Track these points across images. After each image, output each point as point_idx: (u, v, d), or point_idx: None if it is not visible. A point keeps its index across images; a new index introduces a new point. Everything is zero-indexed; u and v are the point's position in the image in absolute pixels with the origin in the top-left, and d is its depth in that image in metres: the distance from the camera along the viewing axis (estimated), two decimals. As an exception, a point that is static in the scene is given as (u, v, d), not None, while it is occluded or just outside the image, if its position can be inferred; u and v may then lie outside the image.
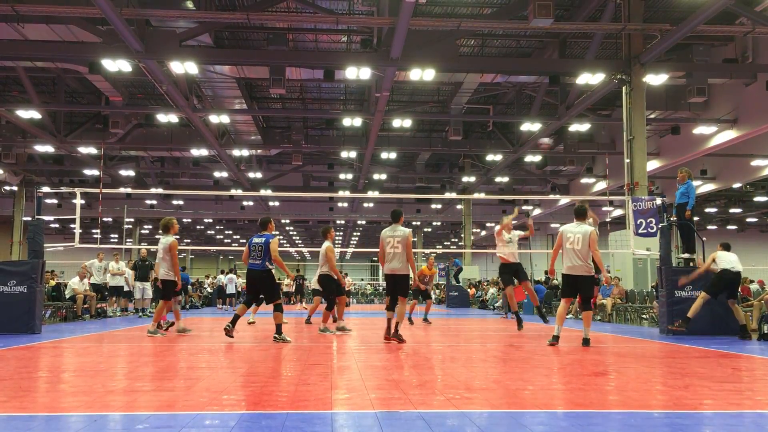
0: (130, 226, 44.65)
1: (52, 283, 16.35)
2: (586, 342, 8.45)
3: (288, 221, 43.46)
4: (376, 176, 31.80)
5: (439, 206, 40.56)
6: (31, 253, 10.68)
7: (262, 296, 9.75)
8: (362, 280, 59.66)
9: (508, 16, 15.61)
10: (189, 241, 62.50)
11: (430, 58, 15.92)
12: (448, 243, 63.04)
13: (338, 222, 46.47)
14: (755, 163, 24.71)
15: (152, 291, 16.62)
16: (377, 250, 9.31)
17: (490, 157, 27.59)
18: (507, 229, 11.83)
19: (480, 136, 27.56)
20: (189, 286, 24.78)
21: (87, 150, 25.56)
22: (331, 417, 3.80)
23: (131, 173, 30.80)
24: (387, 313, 9.10)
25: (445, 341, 9.67)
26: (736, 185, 29.81)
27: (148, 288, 17.00)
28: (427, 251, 58.91)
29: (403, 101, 24.27)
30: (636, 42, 16.46)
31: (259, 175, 31.32)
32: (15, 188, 32.31)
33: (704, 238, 11.94)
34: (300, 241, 65.27)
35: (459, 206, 37.81)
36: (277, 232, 50.42)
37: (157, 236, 64.93)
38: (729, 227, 47.38)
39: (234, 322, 9.16)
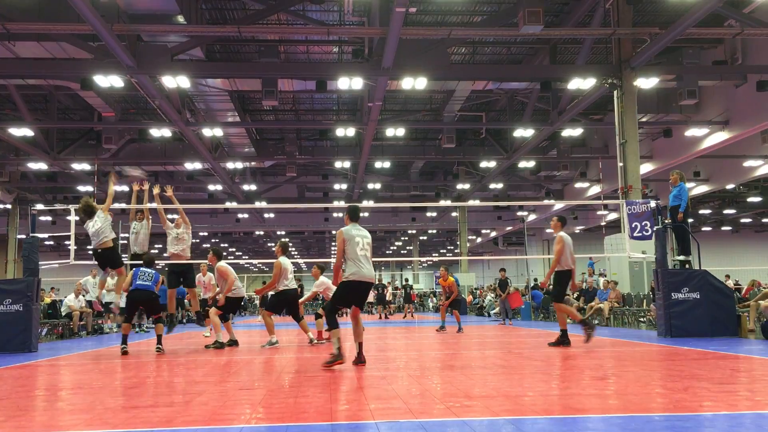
0: (125, 242, 44.45)
1: (48, 300, 16.27)
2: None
3: (283, 233, 43.41)
4: (370, 186, 31.81)
5: (435, 214, 40.53)
6: (26, 271, 10.63)
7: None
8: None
9: (498, 23, 15.69)
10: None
11: (421, 66, 15.97)
12: (444, 251, 62.99)
13: (334, 232, 46.38)
14: (748, 163, 24.83)
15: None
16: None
17: (483, 164, 27.66)
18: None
19: (473, 143, 27.63)
20: (185, 300, 24.66)
21: (80, 166, 25.53)
22: (331, 429, 3.78)
23: (125, 188, 30.70)
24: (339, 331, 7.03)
25: (443, 349, 9.64)
26: (730, 186, 29.95)
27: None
28: (422, 259, 58.96)
29: (395, 110, 24.33)
30: (626, 46, 16.56)
31: (253, 187, 31.28)
32: (9, 206, 32.21)
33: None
34: (296, 253, 65.13)
35: (454, 214, 37.85)
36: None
37: (153, 250, 64.66)
38: (724, 228, 47.52)
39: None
